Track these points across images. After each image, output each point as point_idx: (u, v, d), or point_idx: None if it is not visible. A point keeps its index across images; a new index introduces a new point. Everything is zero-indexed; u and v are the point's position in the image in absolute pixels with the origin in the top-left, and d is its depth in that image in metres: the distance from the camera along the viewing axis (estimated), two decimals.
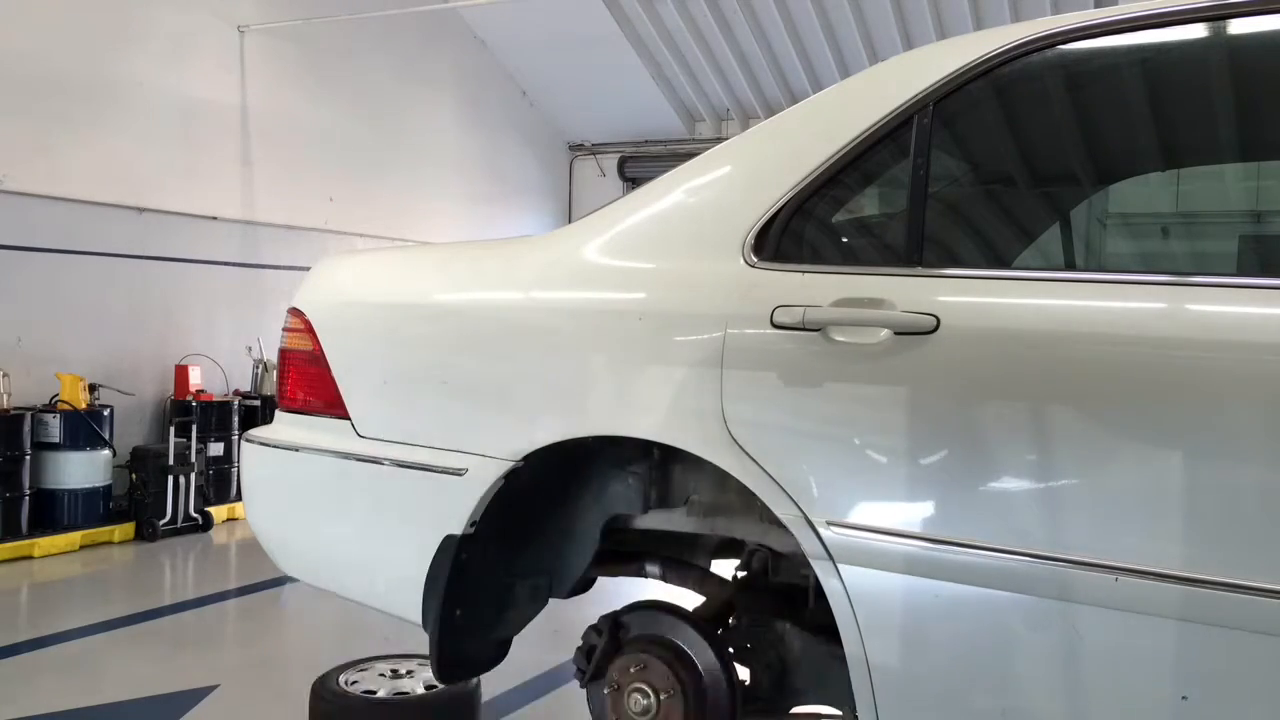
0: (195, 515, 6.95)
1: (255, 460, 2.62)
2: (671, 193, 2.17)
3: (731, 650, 2.25)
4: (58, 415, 6.45)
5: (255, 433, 2.65)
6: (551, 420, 2.11)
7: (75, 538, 6.35)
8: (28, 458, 6.30)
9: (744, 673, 2.26)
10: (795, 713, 2.26)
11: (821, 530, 1.81)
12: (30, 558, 6.07)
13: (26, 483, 6.28)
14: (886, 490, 1.79)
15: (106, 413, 6.69)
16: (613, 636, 2.26)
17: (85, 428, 6.53)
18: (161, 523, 6.74)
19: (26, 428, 6.31)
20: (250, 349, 7.87)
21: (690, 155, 2.29)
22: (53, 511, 6.43)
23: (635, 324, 2.04)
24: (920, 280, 1.82)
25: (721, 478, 2.12)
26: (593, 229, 2.24)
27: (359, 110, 9.07)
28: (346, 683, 3.22)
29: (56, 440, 6.44)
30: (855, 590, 1.79)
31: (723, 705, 2.14)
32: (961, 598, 1.71)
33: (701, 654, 2.17)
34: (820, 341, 1.84)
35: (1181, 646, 1.57)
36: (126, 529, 6.68)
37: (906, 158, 1.92)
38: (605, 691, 2.23)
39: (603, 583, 2.57)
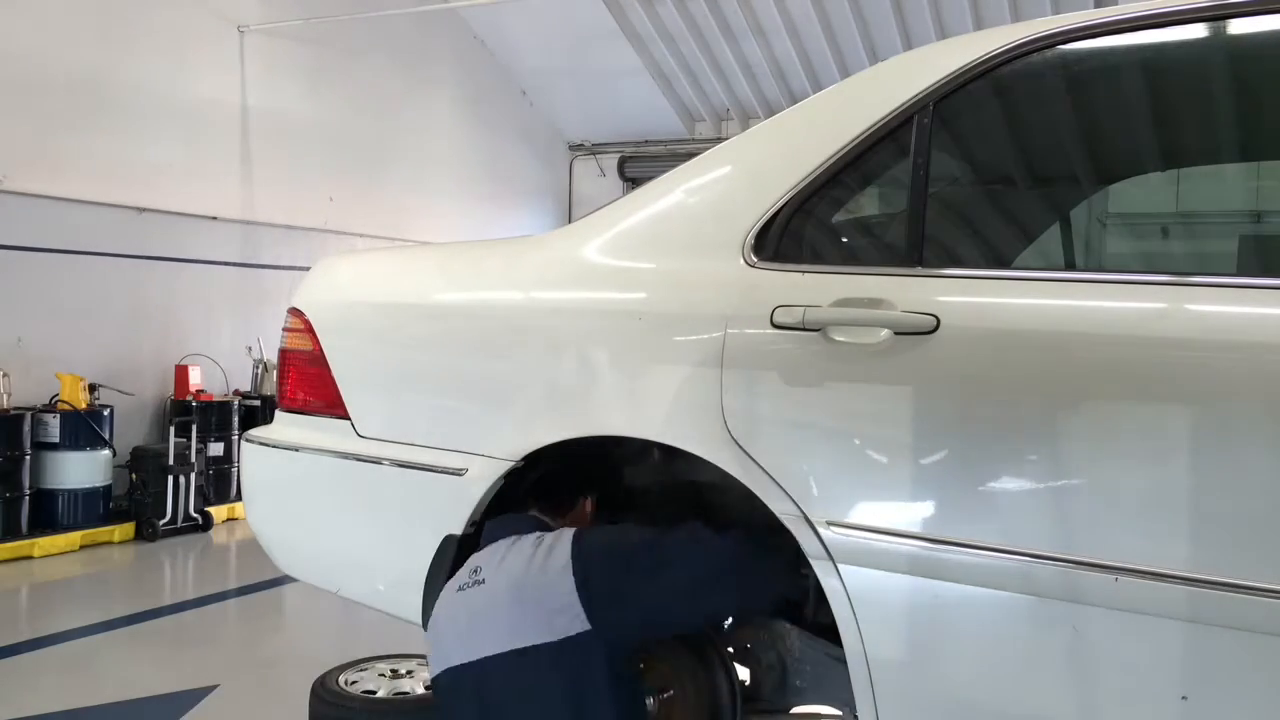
0: (195, 515, 6.95)
1: (255, 460, 2.63)
2: (671, 193, 2.17)
3: (731, 650, 2.25)
4: (58, 415, 6.44)
5: (255, 433, 2.65)
6: (551, 420, 2.11)
7: (75, 538, 6.35)
8: (28, 458, 6.29)
9: (744, 673, 2.26)
10: (795, 713, 2.26)
11: (821, 530, 1.81)
12: (30, 558, 6.07)
13: (26, 483, 6.28)
14: (886, 490, 1.79)
15: (106, 413, 6.68)
16: None
17: (85, 428, 6.53)
18: (161, 523, 6.74)
19: (26, 428, 6.30)
20: (250, 349, 7.87)
21: (690, 155, 2.29)
22: (53, 511, 6.42)
23: (635, 324, 2.04)
24: (920, 280, 1.82)
25: (721, 478, 2.12)
26: (593, 229, 2.24)
27: (359, 110, 9.07)
28: (346, 683, 3.22)
29: (56, 440, 6.43)
30: (855, 590, 1.79)
31: (723, 705, 2.14)
32: (961, 598, 1.71)
33: (701, 654, 2.16)
34: (820, 341, 1.83)
35: (1182, 646, 1.57)
36: (126, 529, 6.68)
37: (906, 158, 1.91)
38: None
39: None
